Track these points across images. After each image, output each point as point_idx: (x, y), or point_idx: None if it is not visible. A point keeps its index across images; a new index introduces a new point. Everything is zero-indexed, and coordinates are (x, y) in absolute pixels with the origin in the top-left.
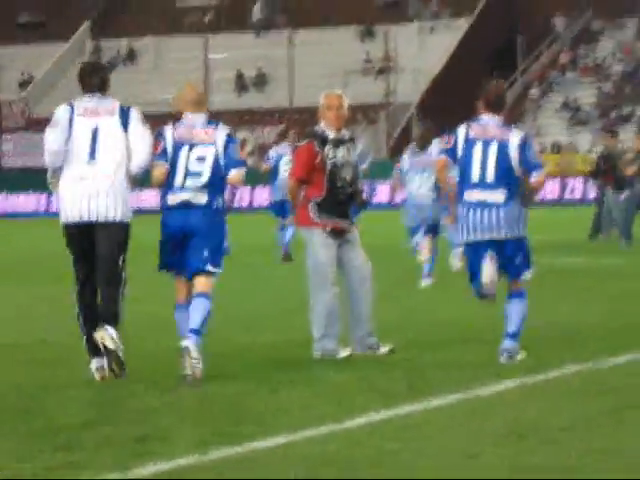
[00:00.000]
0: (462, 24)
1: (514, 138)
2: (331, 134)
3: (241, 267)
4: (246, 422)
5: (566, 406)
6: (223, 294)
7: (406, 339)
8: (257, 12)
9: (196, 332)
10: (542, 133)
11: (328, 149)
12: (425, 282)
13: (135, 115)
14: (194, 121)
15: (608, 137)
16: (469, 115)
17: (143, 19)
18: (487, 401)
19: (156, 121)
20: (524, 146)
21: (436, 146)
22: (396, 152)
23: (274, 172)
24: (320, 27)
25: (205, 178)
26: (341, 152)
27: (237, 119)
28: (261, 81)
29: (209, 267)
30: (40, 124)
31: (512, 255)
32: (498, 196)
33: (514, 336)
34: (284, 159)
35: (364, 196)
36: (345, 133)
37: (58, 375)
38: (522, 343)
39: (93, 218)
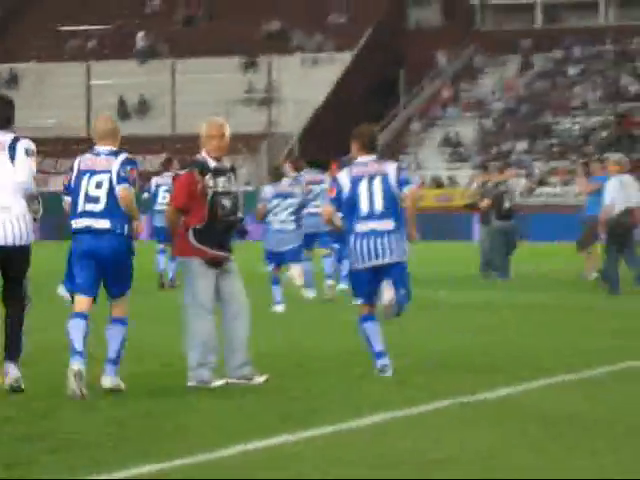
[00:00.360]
0: (345, 57)
1: (391, 169)
2: (212, 163)
3: None
4: (120, 448)
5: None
6: (102, 321)
7: (287, 367)
8: (140, 40)
9: (114, 362)
10: (423, 167)
11: (209, 178)
12: (277, 308)
13: (20, 147)
14: (99, 151)
15: (480, 173)
16: (349, 147)
17: (25, 43)
18: (361, 431)
19: (38, 146)
20: (399, 172)
21: (309, 174)
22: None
23: (153, 200)
24: (203, 56)
25: (102, 204)
26: (222, 181)
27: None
28: (143, 108)
29: (125, 291)
30: None
31: (397, 279)
32: (387, 224)
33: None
34: (162, 187)
35: (244, 226)
36: (226, 162)
37: None
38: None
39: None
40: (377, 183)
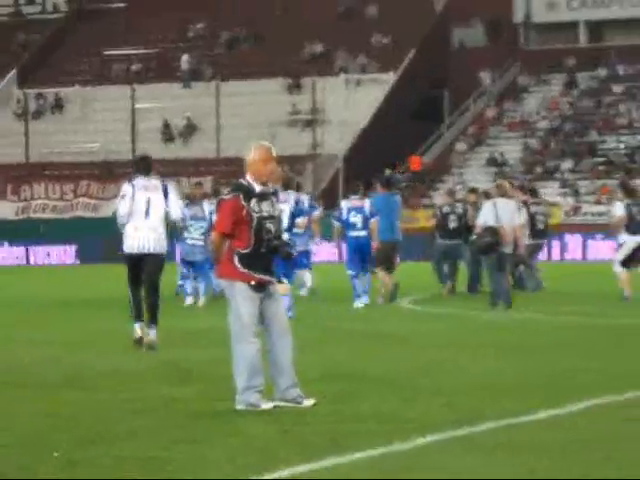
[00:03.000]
0: (389, 78)
1: None
2: (257, 187)
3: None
4: (167, 474)
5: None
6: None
7: (330, 391)
8: (185, 62)
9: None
10: (468, 187)
11: (254, 203)
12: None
13: (171, 189)
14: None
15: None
16: (393, 166)
17: (70, 68)
18: (411, 453)
19: (83, 170)
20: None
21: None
22: (326, 203)
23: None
24: (247, 79)
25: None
26: (266, 205)
27: (163, 169)
28: (188, 131)
29: None
30: None
31: None
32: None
33: None
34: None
35: (289, 249)
36: (269, 186)
37: None
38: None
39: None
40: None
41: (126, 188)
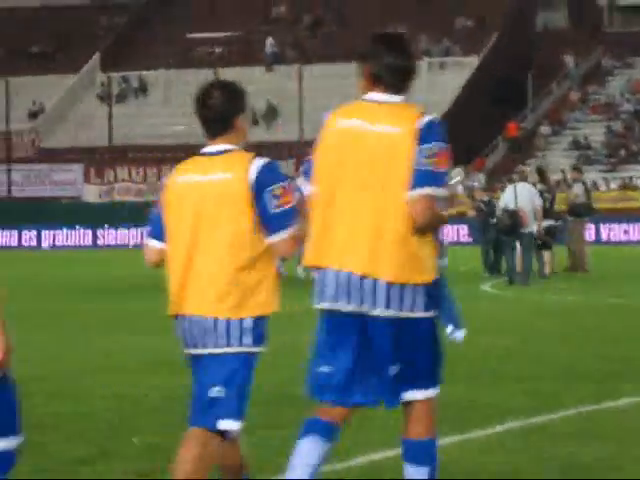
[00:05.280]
0: (472, 61)
1: None
2: None
3: None
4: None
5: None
6: None
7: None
8: (269, 45)
9: None
10: (551, 170)
11: None
12: None
13: None
14: None
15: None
16: (480, 149)
17: (153, 51)
18: (487, 440)
19: (167, 153)
20: None
21: None
22: None
23: None
24: (330, 62)
25: None
26: None
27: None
28: (271, 114)
29: None
30: (50, 155)
31: None
32: None
33: None
34: None
35: None
36: None
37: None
38: None
39: None
40: None
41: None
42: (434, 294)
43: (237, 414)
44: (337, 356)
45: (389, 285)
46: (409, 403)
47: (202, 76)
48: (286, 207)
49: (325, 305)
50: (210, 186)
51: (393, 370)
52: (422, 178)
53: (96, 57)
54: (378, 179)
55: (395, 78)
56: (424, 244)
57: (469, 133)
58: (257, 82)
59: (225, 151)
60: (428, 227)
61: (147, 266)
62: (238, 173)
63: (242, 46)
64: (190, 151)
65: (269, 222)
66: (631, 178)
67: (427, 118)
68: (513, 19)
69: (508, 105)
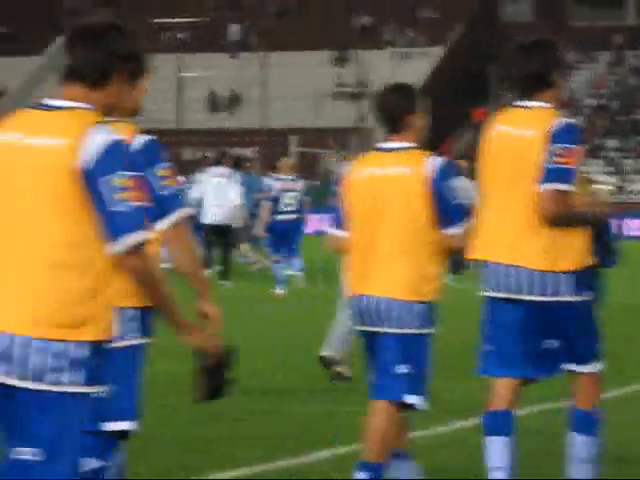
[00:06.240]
0: (437, 52)
1: None
2: None
3: None
4: (208, 452)
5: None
6: None
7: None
8: (233, 33)
9: None
10: None
11: None
12: None
13: None
14: None
15: None
16: (440, 140)
17: None
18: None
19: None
20: None
21: None
22: None
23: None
24: (294, 50)
25: None
26: None
27: (207, 139)
28: (234, 102)
29: None
30: None
31: None
32: None
33: None
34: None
35: None
36: None
37: None
38: None
39: None
40: None
41: None
42: (586, 278)
43: (421, 391)
44: (499, 335)
45: (534, 272)
46: (575, 376)
47: (166, 61)
48: (462, 202)
49: (489, 293)
50: (387, 180)
51: (547, 345)
52: (551, 174)
53: (61, 39)
54: (524, 178)
55: (525, 84)
56: (568, 235)
57: (430, 125)
58: (221, 69)
59: (400, 148)
60: (559, 220)
61: (331, 253)
62: (414, 168)
63: (207, 32)
64: (156, 135)
65: (448, 214)
66: (590, 173)
67: (562, 120)
68: (478, 10)
69: (472, 97)
